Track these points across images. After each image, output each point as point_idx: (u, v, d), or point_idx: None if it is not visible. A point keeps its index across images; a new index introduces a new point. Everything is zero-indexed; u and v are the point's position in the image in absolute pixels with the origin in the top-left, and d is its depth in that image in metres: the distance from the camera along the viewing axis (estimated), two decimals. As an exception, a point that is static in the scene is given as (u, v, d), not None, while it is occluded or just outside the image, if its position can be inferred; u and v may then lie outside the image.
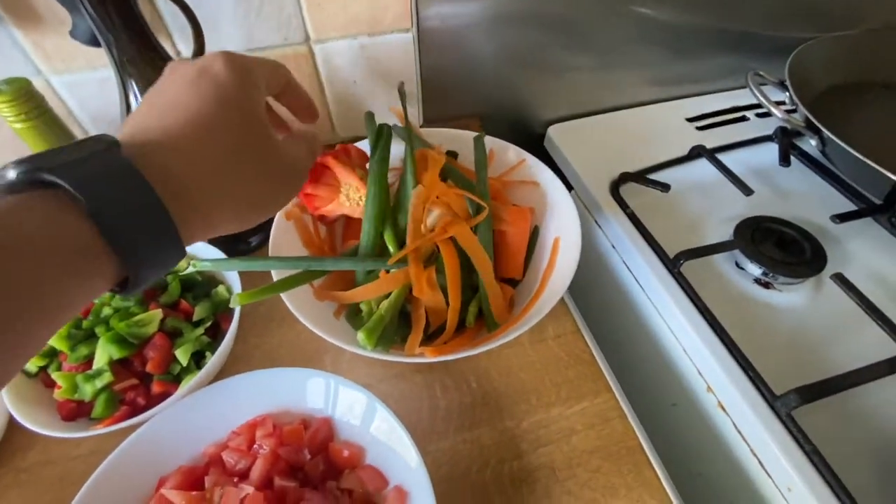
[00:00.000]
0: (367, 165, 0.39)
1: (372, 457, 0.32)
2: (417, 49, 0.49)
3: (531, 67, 0.57)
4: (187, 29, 0.37)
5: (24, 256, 0.15)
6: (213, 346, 0.36)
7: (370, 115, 0.45)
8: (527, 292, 0.38)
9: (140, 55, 0.32)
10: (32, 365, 0.34)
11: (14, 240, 0.15)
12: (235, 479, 0.30)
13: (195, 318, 0.36)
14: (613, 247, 0.48)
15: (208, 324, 0.37)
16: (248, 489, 0.29)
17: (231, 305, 0.31)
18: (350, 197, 0.39)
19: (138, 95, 0.34)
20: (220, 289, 0.39)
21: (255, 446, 0.32)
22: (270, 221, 0.47)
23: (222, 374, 0.37)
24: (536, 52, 0.56)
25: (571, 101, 0.62)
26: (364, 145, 0.43)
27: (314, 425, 0.33)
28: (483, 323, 0.37)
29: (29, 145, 0.34)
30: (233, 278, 0.39)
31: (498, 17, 0.50)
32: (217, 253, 0.40)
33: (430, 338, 0.37)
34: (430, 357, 0.31)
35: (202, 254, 0.40)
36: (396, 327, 0.36)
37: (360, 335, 0.33)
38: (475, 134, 0.46)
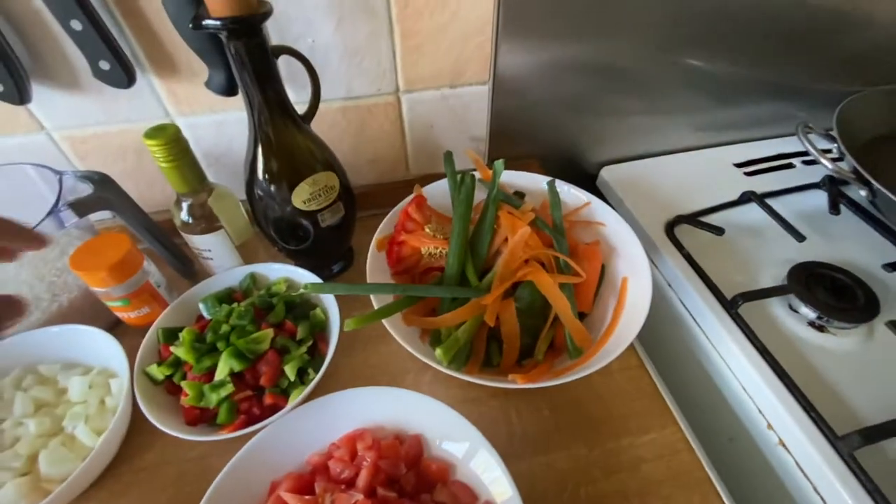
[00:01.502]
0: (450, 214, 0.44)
1: (460, 473, 0.36)
2: (490, 97, 0.54)
3: (586, 111, 0.62)
4: (298, 79, 0.43)
5: None
6: (312, 363, 0.40)
7: (449, 155, 0.50)
8: (597, 325, 0.42)
9: (271, 115, 0.38)
10: (160, 373, 0.38)
11: None
12: (342, 487, 0.34)
13: (298, 336, 0.41)
14: (669, 285, 0.51)
15: (309, 343, 0.41)
16: (357, 496, 0.32)
17: (345, 329, 0.35)
18: (432, 253, 0.44)
19: (263, 145, 0.39)
20: (317, 311, 0.43)
21: (357, 458, 0.35)
22: (351, 251, 0.52)
23: (316, 390, 0.41)
24: (591, 97, 0.60)
25: (623, 144, 0.66)
26: (436, 185, 0.48)
27: (407, 441, 0.37)
28: (554, 356, 0.41)
29: (170, 181, 0.40)
30: (329, 301, 0.43)
31: (558, 66, 0.55)
32: (316, 279, 0.44)
33: (495, 366, 0.41)
34: (520, 383, 0.35)
35: (305, 279, 0.45)
36: (469, 351, 0.40)
37: (438, 351, 0.37)
38: (543, 177, 0.50)
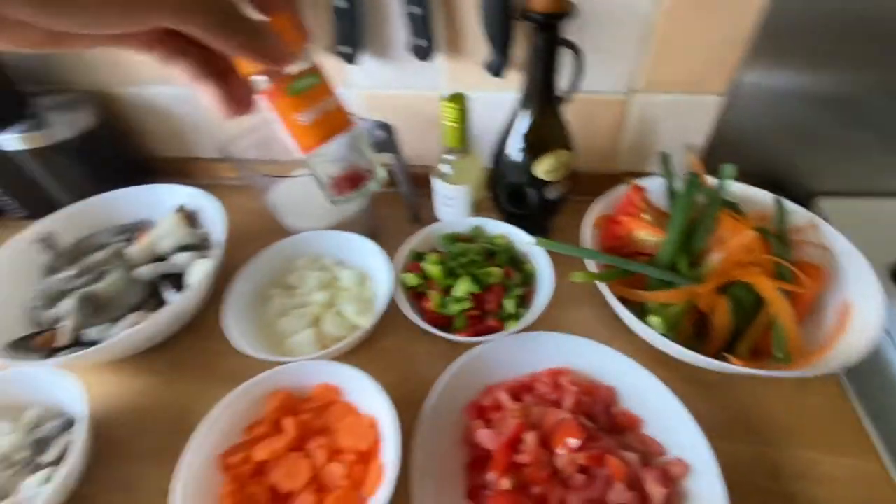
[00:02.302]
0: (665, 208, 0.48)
1: (649, 429, 0.40)
2: (720, 109, 0.56)
3: (813, 140, 0.60)
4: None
5: None
6: (525, 304, 0.48)
7: (666, 156, 0.53)
8: (807, 340, 0.42)
9: (540, 97, 0.46)
10: (412, 280, 0.49)
11: None
12: (546, 405, 0.41)
13: (514, 281, 0.49)
14: (887, 332, 0.48)
15: (523, 288, 0.49)
16: (565, 414, 0.39)
17: (572, 280, 0.42)
18: (644, 239, 0.48)
19: (525, 120, 0.47)
20: (529, 265, 0.51)
21: (560, 388, 0.42)
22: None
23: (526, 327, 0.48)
24: (824, 126, 0.58)
25: (847, 178, 0.62)
26: (648, 181, 0.52)
27: (602, 388, 0.42)
28: (754, 359, 0.42)
29: (448, 137, 0.50)
30: (541, 259, 0.50)
31: (798, 92, 0.54)
32: (529, 238, 0.52)
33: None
34: (735, 364, 0.38)
35: (519, 237, 0.53)
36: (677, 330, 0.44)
37: (655, 319, 0.41)
38: (760, 191, 0.51)
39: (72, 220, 0.58)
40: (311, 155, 0.30)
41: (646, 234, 0.47)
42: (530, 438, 0.37)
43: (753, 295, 0.43)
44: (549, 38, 0.42)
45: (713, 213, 0.46)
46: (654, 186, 0.53)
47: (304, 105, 0.28)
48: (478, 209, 0.58)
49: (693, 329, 0.45)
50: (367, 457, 0.39)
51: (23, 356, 0.46)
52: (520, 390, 0.42)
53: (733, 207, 0.50)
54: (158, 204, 0.60)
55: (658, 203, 0.52)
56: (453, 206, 0.56)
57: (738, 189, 0.53)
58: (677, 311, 0.42)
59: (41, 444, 0.41)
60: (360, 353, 0.50)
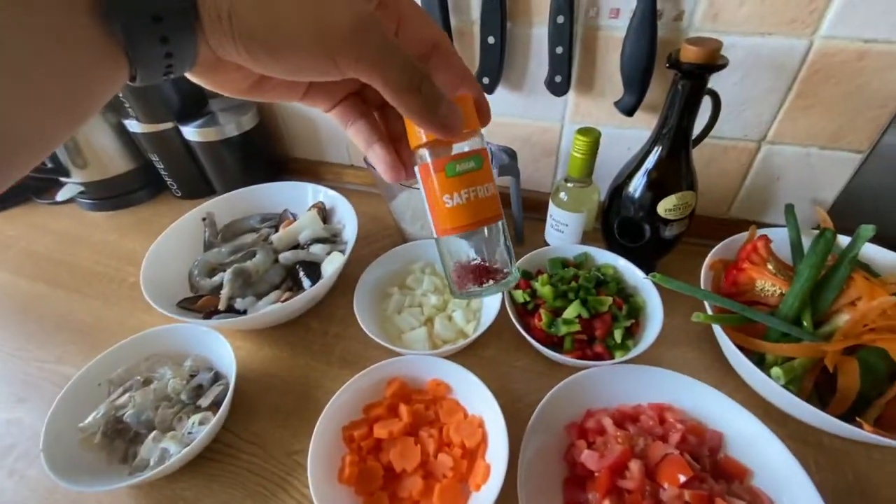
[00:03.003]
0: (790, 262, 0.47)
1: (757, 482, 0.39)
2: (857, 168, 0.54)
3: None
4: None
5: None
6: (632, 337, 0.49)
7: (791, 208, 0.52)
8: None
9: (673, 138, 0.48)
10: (521, 297, 0.52)
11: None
12: (651, 438, 0.41)
13: (623, 312, 0.50)
14: None
15: (631, 321, 0.50)
16: (672, 449, 0.39)
17: (694, 319, 0.43)
18: (765, 289, 0.47)
19: (654, 159, 0.49)
20: (638, 298, 0.52)
21: (666, 423, 0.42)
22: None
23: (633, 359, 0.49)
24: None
25: None
26: (770, 231, 0.52)
27: (709, 432, 0.42)
28: (878, 427, 0.40)
29: (574, 167, 0.53)
30: (650, 294, 0.51)
31: None
32: (638, 271, 0.53)
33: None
34: (866, 430, 0.37)
35: (627, 269, 0.54)
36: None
37: (776, 370, 0.41)
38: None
39: (227, 204, 0.68)
40: (445, 239, 0.28)
41: (769, 284, 0.47)
42: (636, 467, 0.38)
43: (886, 362, 0.41)
44: (696, 87, 0.44)
45: (846, 272, 0.45)
46: (776, 238, 0.53)
47: (455, 188, 0.26)
48: (584, 239, 0.60)
49: (813, 390, 0.43)
50: (472, 454, 0.43)
51: (187, 314, 0.54)
52: (623, 419, 0.43)
53: (866, 269, 0.48)
54: (299, 199, 0.68)
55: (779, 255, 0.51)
56: (564, 231, 0.58)
57: (873, 251, 0.50)
58: (800, 367, 0.41)
59: (198, 391, 0.49)
60: (465, 357, 0.53)
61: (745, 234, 0.53)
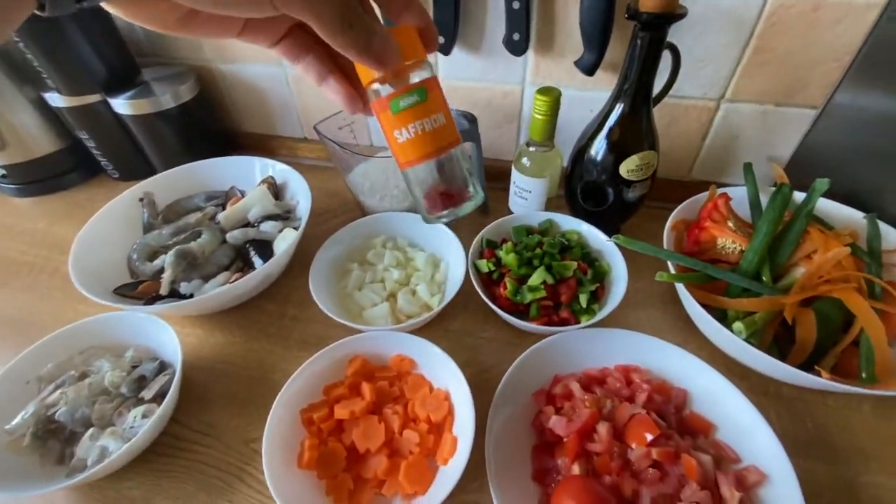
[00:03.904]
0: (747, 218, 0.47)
1: (722, 435, 0.40)
2: (812, 123, 0.54)
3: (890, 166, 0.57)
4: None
5: None
6: (596, 301, 0.48)
7: (749, 166, 0.53)
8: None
9: (633, 97, 0.46)
10: (486, 266, 0.50)
11: None
12: (617, 400, 0.41)
13: (588, 276, 0.49)
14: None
15: (596, 284, 0.49)
16: (638, 409, 0.39)
17: (657, 279, 0.42)
18: (726, 247, 0.48)
19: (615, 117, 0.48)
20: (603, 262, 0.51)
21: (633, 384, 0.42)
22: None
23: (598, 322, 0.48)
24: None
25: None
26: (730, 190, 0.52)
27: (674, 389, 0.42)
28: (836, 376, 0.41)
29: (535, 130, 0.51)
30: (615, 258, 0.51)
31: (883, 114, 0.52)
32: (602, 236, 0.52)
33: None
34: (824, 377, 0.37)
35: (591, 234, 0.53)
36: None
37: (738, 325, 0.41)
38: (848, 208, 0.50)
39: (168, 182, 0.62)
40: (407, 171, 0.29)
41: (730, 241, 0.47)
42: (604, 429, 0.38)
43: (841, 312, 0.42)
44: (655, 38, 0.42)
45: (802, 226, 0.45)
46: (736, 196, 0.53)
47: (405, 122, 0.26)
48: (548, 205, 0.58)
49: (773, 342, 0.44)
50: (439, 428, 0.41)
51: (126, 302, 0.50)
52: (590, 383, 0.43)
53: (821, 223, 0.49)
54: (247, 175, 0.63)
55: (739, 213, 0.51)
56: (528, 198, 0.57)
57: (827, 205, 0.51)
58: (760, 320, 0.42)
59: (140, 383, 0.45)
60: (430, 331, 0.51)
61: (705, 195, 0.53)
